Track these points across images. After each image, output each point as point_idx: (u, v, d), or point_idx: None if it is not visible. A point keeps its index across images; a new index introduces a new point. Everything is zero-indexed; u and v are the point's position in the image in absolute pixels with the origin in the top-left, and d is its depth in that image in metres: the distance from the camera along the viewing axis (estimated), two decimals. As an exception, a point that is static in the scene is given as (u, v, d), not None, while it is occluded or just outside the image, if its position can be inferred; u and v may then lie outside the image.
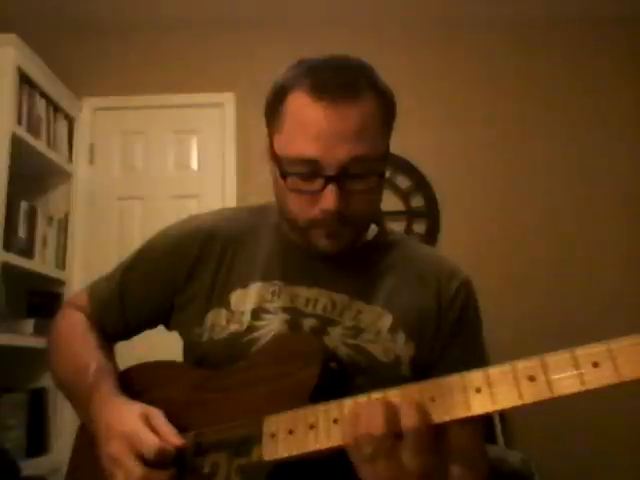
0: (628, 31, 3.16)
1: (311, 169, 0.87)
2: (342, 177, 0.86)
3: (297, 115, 0.88)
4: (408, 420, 0.66)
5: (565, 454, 2.62)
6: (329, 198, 0.86)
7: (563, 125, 3.10)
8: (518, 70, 3.17)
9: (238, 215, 1.10)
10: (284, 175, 0.89)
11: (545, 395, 0.63)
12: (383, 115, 0.92)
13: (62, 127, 2.91)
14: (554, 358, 0.64)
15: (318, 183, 0.87)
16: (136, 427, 0.81)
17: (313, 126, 0.86)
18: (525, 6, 3.10)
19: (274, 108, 0.92)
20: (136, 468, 0.78)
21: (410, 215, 3.03)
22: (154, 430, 0.81)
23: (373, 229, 1.07)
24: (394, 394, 0.71)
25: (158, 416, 0.83)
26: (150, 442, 0.78)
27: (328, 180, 0.86)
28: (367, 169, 0.88)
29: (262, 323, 0.94)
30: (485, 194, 3.04)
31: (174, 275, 1.01)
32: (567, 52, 3.18)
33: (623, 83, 3.13)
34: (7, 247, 2.34)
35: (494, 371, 0.66)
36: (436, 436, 0.67)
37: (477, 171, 3.06)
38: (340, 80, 0.87)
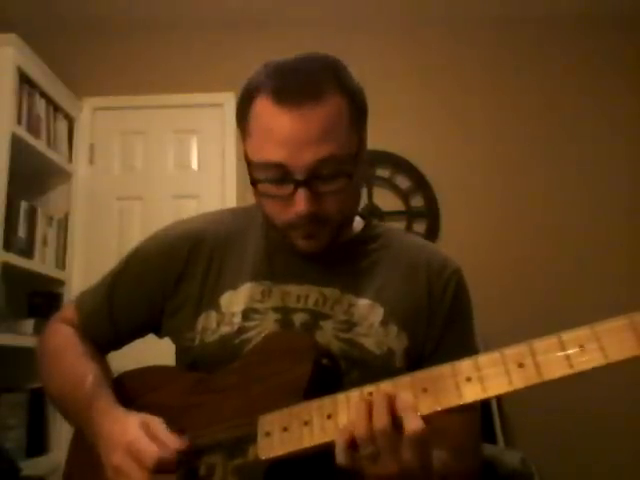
0: (628, 31, 3.15)
1: (280, 174, 0.87)
2: (311, 180, 0.86)
3: (262, 120, 0.88)
4: (410, 423, 0.67)
5: (565, 454, 2.62)
6: (300, 202, 0.86)
7: (563, 125, 3.10)
8: (518, 70, 3.17)
9: (224, 217, 1.10)
10: (254, 182, 0.90)
11: (534, 380, 0.63)
12: (351, 113, 0.89)
13: (62, 127, 2.91)
14: (541, 343, 0.64)
15: (288, 187, 0.87)
16: (137, 436, 0.81)
17: (278, 131, 0.85)
18: (525, 6, 3.09)
19: (242, 113, 0.92)
20: (139, 477, 0.78)
21: (410, 215, 3.03)
22: (154, 438, 0.81)
23: (359, 222, 1.07)
24: (386, 386, 0.72)
25: (157, 423, 0.83)
26: (150, 451, 0.78)
27: (297, 184, 0.86)
28: (336, 170, 0.86)
29: (253, 324, 0.94)
30: (485, 194, 3.04)
31: (164, 280, 1.01)
32: (567, 52, 3.17)
33: (624, 83, 3.13)
34: (7, 247, 2.34)
35: (483, 359, 0.67)
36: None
37: (477, 171, 3.06)
38: (302, 82, 0.86)
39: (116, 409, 0.89)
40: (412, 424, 0.67)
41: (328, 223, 0.91)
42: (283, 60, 0.92)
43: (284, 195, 0.88)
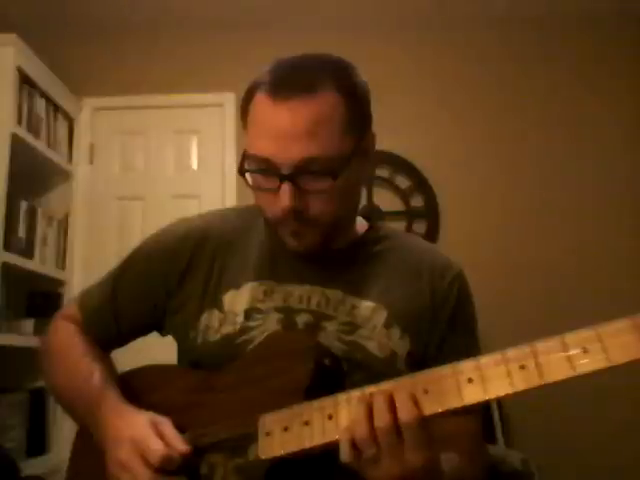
0: (627, 30, 3.15)
1: (267, 167, 0.87)
2: (296, 176, 0.85)
3: (256, 114, 0.89)
4: (406, 413, 0.67)
5: (565, 454, 2.62)
6: (284, 197, 0.86)
7: (563, 125, 3.10)
8: (518, 70, 3.17)
9: (228, 216, 1.09)
10: (241, 172, 0.90)
11: (536, 382, 0.63)
12: (346, 114, 0.87)
13: (62, 127, 2.91)
14: (544, 345, 0.64)
15: (274, 181, 0.87)
16: (145, 433, 0.81)
17: (267, 125, 0.86)
18: (525, 6, 3.09)
19: (244, 107, 0.93)
20: (143, 473, 0.78)
21: (410, 215, 3.03)
22: (161, 437, 0.81)
23: (363, 224, 1.06)
24: (387, 387, 0.72)
25: (166, 423, 0.84)
26: (156, 448, 0.79)
27: (282, 179, 0.86)
28: (321, 169, 0.85)
29: (255, 324, 0.93)
30: (485, 194, 3.04)
31: (167, 278, 1.01)
32: (568, 52, 3.17)
33: (624, 83, 3.13)
34: (7, 247, 2.34)
35: (485, 360, 0.67)
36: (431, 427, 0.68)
37: (477, 171, 3.06)
38: (296, 78, 0.87)
39: (124, 406, 0.89)
40: (406, 412, 0.67)
41: (315, 224, 0.90)
42: (289, 58, 0.92)
43: (271, 188, 0.88)
